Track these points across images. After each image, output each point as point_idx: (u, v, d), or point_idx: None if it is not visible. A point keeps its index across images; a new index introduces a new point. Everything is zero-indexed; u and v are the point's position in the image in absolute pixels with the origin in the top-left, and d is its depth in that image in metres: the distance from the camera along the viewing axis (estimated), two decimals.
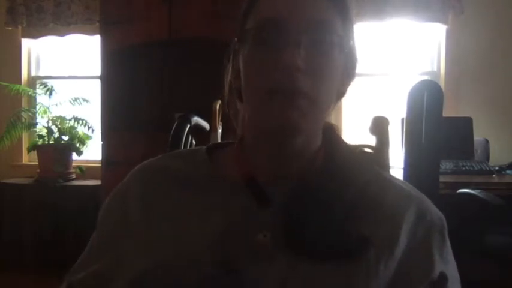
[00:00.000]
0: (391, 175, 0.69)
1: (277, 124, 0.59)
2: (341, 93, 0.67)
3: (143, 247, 0.61)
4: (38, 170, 3.12)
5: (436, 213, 0.64)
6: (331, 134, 0.69)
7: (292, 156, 0.64)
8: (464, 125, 2.60)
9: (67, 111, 3.21)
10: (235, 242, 0.59)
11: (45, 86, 3.21)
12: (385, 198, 0.62)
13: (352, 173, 0.63)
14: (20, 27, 3.31)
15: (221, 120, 1.72)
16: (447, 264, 0.61)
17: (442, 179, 1.70)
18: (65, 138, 3.18)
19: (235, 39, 0.65)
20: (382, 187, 0.64)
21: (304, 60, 0.57)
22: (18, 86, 3.22)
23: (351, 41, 0.64)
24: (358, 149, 0.71)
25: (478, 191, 1.83)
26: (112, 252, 0.64)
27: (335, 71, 0.61)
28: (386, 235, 0.59)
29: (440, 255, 0.61)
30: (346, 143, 0.69)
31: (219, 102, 1.70)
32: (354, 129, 2.98)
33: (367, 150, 0.73)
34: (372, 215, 0.60)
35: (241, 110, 0.69)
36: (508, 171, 2.47)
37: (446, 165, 2.40)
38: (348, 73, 0.66)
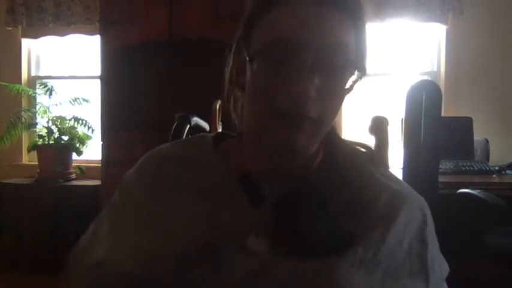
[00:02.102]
0: (385, 175, 0.68)
1: (279, 145, 0.59)
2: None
3: (138, 236, 0.62)
4: (38, 170, 3.12)
5: (416, 219, 0.63)
6: (332, 134, 0.68)
7: (291, 159, 0.64)
8: (464, 125, 2.60)
9: (67, 111, 3.21)
10: (223, 233, 0.59)
11: (45, 86, 3.21)
12: (377, 203, 0.62)
13: (348, 177, 0.63)
14: (20, 27, 3.31)
15: (221, 120, 1.72)
16: (428, 275, 0.61)
17: (442, 179, 1.70)
18: (65, 138, 3.18)
19: (240, 39, 0.63)
20: (375, 191, 0.63)
21: (316, 88, 0.56)
22: (18, 86, 3.22)
23: (364, 58, 0.62)
24: (356, 149, 0.70)
25: (478, 191, 1.83)
26: (113, 240, 0.66)
27: (344, 92, 0.61)
28: (374, 238, 0.59)
29: (424, 270, 0.60)
30: (345, 142, 0.69)
31: (219, 102, 1.70)
32: (354, 129, 2.98)
33: (364, 150, 0.73)
34: (363, 218, 0.60)
35: (242, 101, 0.68)
36: (508, 171, 2.48)
37: (446, 165, 2.40)
38: (356, 82, 0.65)
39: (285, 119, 0.57)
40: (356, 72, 0.61)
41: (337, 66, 0.57)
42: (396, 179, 0.69)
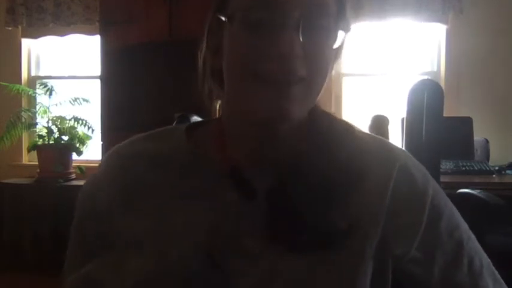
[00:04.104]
0: (368, 137, 0.66)
1: (268, 114, 0.54)
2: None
3: (129, 250, 0.58)
4: (38, 170, 3.12)
5: (418, 181, 0.63)
6: (316, 111, 0.63)
7: (277, 142, 0.60)
8: (464, 125, 2.60)
9: (67, 111, 3.21)
10: (222, 239, 0.57)
11: (45, 86, 3.21)
12: (369, 173, 0.60)
13: (334, 150, 0.60)
14: (20, 27, 3.31)
15: None
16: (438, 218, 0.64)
17: (442, 179, 1.70)
18: (65, 138, 3.18)
19: (216, 12, 0.58)
20: (364, 160, 0.61)
21: (302, 46, 0.52)
22: (18, 86, 3.21)
23: (346, 16, 0.59)
24: (344, 122, 0.65)
25: (478, 191, 1.83)
26: (98, 256, 0.62)
27: (330, 55, 0.57)
28: (372, 212, 0.58)
29: (427, 226, 0.62)
30: (330, 117, 0.65)
31: (219, 102, 1.69)
32: None
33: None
34: (356, 192, 0.58)
35: (220, 95, 0.64)
36: (508, 171, 2.48)
37: (446, 165, 2.40)
38: (337, 56, 0.62)
39: (271, 85, 0.53)
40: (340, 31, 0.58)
41: (320, 25, 0.54)
42: (377, 140, 0.67)
